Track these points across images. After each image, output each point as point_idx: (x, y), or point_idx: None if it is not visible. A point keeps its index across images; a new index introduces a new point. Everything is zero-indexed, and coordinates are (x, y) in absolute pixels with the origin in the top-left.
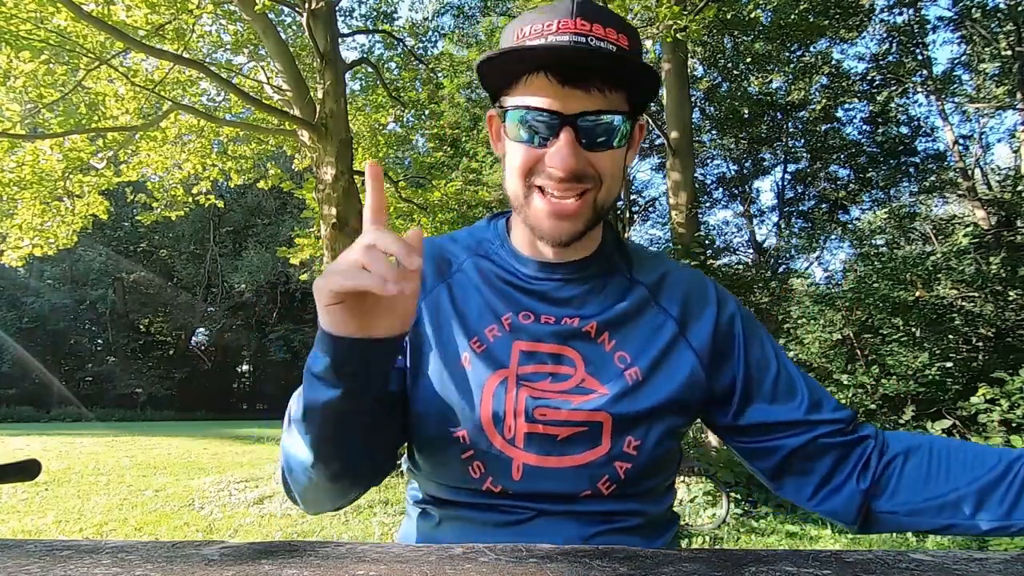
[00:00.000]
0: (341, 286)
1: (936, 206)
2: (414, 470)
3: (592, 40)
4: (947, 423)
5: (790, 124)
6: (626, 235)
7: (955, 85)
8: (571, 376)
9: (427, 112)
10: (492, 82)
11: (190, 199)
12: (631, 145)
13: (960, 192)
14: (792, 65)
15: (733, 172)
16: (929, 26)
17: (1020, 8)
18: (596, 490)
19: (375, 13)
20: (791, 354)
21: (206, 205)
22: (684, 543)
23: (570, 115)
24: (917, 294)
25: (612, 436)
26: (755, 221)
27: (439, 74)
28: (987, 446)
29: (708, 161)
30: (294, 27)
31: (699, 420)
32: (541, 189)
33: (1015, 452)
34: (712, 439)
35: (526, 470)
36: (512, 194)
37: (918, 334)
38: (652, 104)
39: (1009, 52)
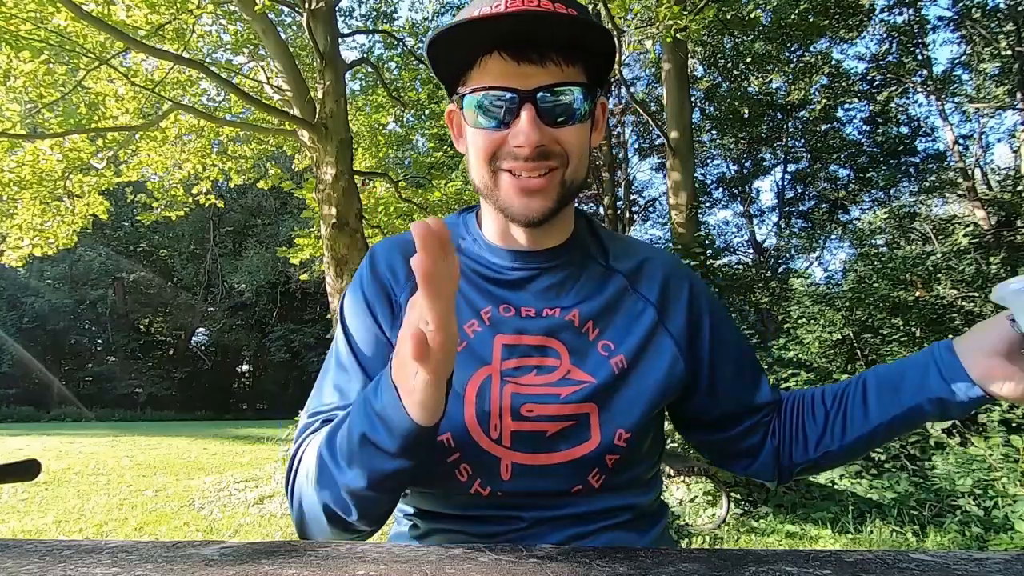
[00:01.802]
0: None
1: (936, 206)
2: None
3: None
4: (947, 423)
5: (790, 124)
6: (626, 234)
7: (955, 85)
8: (557, 368)
9: (427, 112)
10: (446, 70)
11: (190, 199)
12: (595, 124)
13: (960, 192)
14: (792, 65)
15: (733, 172)
16: (929, 26)
17: (1020, 8)
18: (587, 484)
19: (375, 13)
20: (791, 354)
21: (206, 205)
22: (684, 543)
23: (529, 91)
24: (917, 294)
25: (601, 428)
26: (755, 221)
27: None
28: (846, 382)
29: (708, 161)
30: (294, 27)
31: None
32: (508, 172)
33: (856, 378)
34: None
35: (515, 469)
36: (480, 182)
37: (918, 334)
38: (652, 104)
39: (1009, 52)
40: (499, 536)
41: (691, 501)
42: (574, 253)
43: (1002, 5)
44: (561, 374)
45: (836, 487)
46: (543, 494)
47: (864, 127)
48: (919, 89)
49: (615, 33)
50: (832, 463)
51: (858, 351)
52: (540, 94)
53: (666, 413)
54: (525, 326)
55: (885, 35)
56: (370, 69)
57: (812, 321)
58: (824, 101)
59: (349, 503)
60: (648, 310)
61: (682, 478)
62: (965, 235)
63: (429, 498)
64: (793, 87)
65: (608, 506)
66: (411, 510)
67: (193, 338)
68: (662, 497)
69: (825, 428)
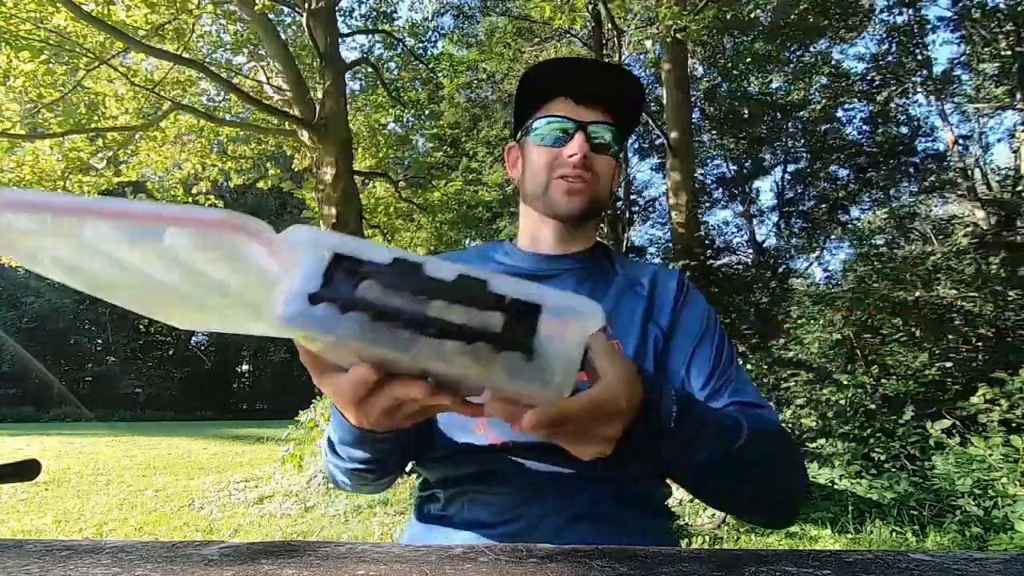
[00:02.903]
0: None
1: (936, 206)
2: (423, 453)
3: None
4: (947, 423)
5: (790, 124)
6: (626, 235)
7: (955, 85)
8: None
9: (427, 112)
10: (521, 110)
11: (190, 199)
12: (616, 170)
13: (960, 192)
14: (792, 65)
15: (733, 172)
16: (929, 26)
17: (1020, 8)
18: None
19: (375, 13)
20: (791, 354)
21: (206, 205)
22: (684, 543)
23: (584, 122)
24: (917, 294)
25: None
26: (755, 221)
27: (439, 74)
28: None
29: (708, 161)
30: (294, 27)
31: None
32: (560, 179)
33: None
34: None
35: None
36: (534, 187)
37: (918, 334)
38: (652, 104)
39: (1009, 52)
40: (514, 498)
41: (691, 501)
42: (591, 261)
43: (1002, 5)
44: None
45: (836, 487)
46: (551, 446)
47: (864, 127)
48: (919, 89)
49: (615, 34)
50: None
51: (858, 351)
52: (590, 126)
53: None
54: None
55: (885, 35)
56: (370, 69)
57: (812, 321)
58: (824, 101)
59: (356, 476)
60: (641, 306)
61: None
62: (965, 235)
63: (449, 464)
64: (793, 87)
65: (612, 476)
66: (432, 482)
67: (193, 338)
68: (667, 504)
69: None
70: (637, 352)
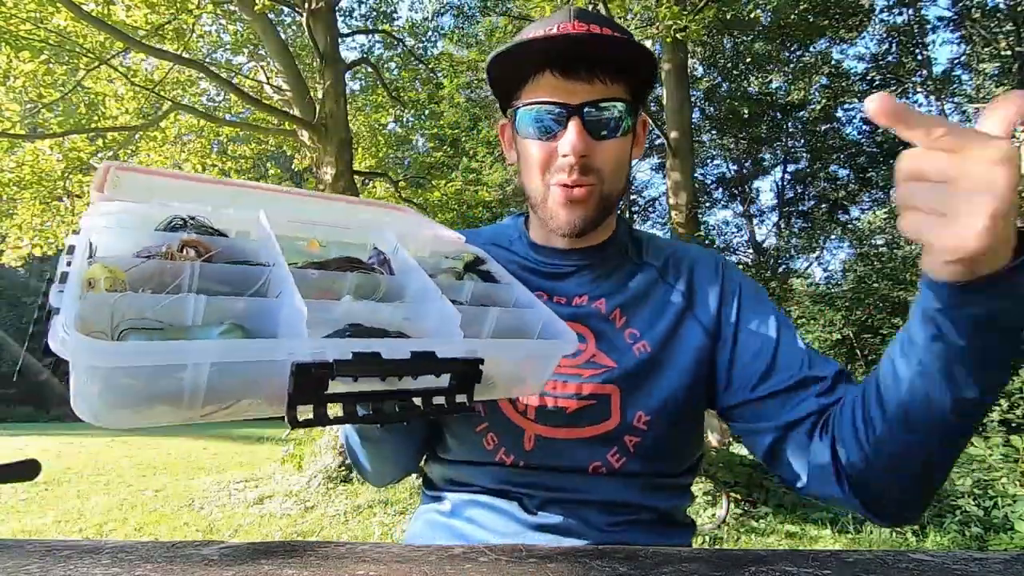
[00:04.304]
0: None
1: None
2: (431, 454)
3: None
4: None
5: (790, 124)
6: None
7: (955, 85)
8: (582, 352)
9: (427, 112)
10: (502, 87)
11: None
12: (635, 140)
13: None
14: (792, 65)
15: (733, 172)
16: (929, 26)
17: (1020, 8)
18: (607, 463)
19: (375, 13)
20: None
21: None
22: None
23: (576, 105)
24: (917, 294)
25: (621, 409)
26: (755, 221)
27: (439, 74)
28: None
29: (708, 161)
30: (294, 27)
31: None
32: (557, 186)
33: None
34: (711, 439)
35: (538, 441)
36: (532, 192)
37: None
38: (652, 104)
39: (1009, 52)
40: (523, 515)
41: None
42: (609, 253)
43: (1002, 5)
44: (586, 357)
45: None
46: (563, 469)
47: (864, 127)
48: (919, 89)
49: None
50: (886, 448)
51: (858, 351)
52: (586, 109)
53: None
54: (556, 311)
55: (885, 35)
56: (370, 69)
57: (812, 321)
58: (824, 101)
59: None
60: (676, 298)
61: None
62: None
63: (459, 469)
64: (793, 87)
65: (631, 501)
66: (440, 484)
67: None
68: (688, 512)
69: (868, 406)
70: (664, 343)
